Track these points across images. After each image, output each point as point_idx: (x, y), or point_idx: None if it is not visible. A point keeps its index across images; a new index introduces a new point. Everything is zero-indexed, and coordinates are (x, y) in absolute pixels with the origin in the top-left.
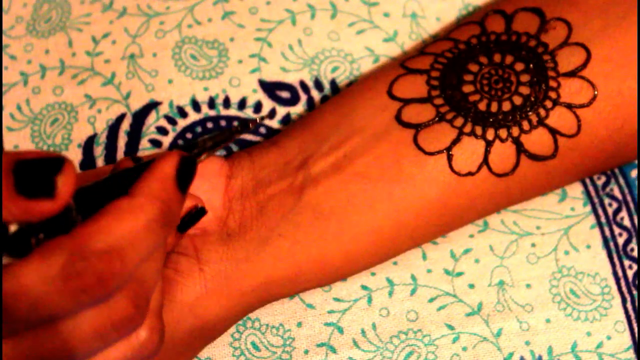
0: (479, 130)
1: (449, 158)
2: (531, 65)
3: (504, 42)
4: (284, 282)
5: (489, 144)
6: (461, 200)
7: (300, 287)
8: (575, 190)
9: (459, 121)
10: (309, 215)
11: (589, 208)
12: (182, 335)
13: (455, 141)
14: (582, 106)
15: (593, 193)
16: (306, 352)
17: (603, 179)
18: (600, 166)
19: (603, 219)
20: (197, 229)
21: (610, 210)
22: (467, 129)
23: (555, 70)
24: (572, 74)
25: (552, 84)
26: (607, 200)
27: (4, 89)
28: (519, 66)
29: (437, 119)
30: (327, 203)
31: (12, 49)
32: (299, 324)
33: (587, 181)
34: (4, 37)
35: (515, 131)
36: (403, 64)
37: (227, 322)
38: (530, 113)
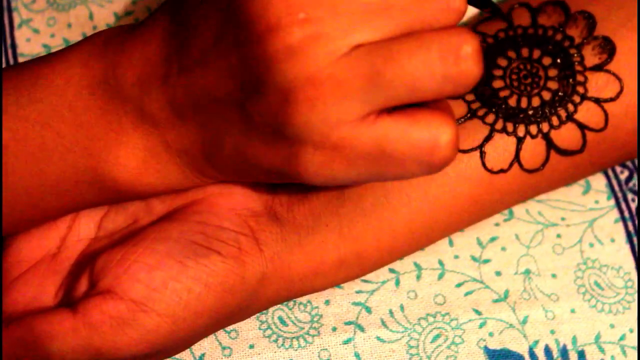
0: (510, 126)
1: (482, 155)
2: (558, 60)
3: (531, 36)
4: (329, 273)
5: (520, 141)
6: (492, 197)
7: (339, 279)
8: (599, 182)
9: (490, 117)
10: (351, 209)
11: (612, 202)
12: (233, 312)
13: (488, 138)
14: (609, 100)
15: (616, 187)
16: (334, 329)
17: (626, 173)
18: (626, 157)
19: (627, 214)
20: (246, 209)
21: (633, 206)
22: (499, 125)
23: (582, 65)
24: (599, 67)
25: (580, 78)
26: (630, 195)
27: (26, 59)
28: (547, 60)
29: (469, 115)
30: (367, 199)
31: (35, 23)
32: (327, 302)
33: (611, 174)
34: (26, 11)
35: (545, 127)
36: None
37: (271, 306)
38: (559, 108)
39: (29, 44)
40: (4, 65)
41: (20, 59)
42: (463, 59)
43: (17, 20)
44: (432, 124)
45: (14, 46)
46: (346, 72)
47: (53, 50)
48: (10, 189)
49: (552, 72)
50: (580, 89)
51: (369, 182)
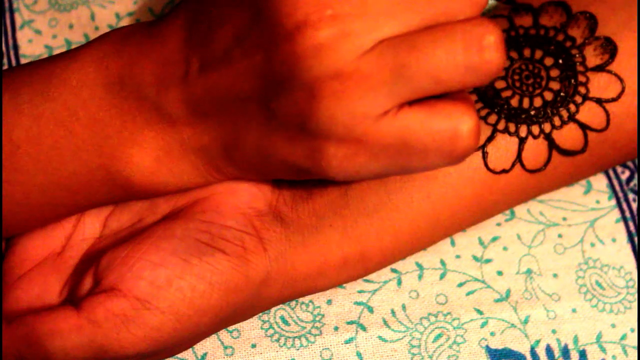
0: (512, 127)
1: (484, 155)
2: (560, 60)
3: (533, 37)
4: (332, 273)
5: (522, 141)
6: (494, 197)
7: (342, 279)
8: (600, 183)
9: (492, 118)
10: (354, 209)
11: (613, 202)
12: (237, 311)
13: (490, 139)
14: (610, 100)
15: (617, 187)
16: (336, 328)
17: (627, 173)
18: (628, 157)
19: (628, 214)
20: (251, 208)
21: (634, 206)
22: (501, 126)
23: (584, 65)
24: (600, 68)
25: (581, 78)
26: (631, 195)
27: (27, 60)
28: (549, 61)
29: None
30: (371, 200)
31: (36, 24)
32: (329, 302)
33: (612, 174)
34: (28, 13)
35: (547, 127)
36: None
37: (274, 306)
38: (561, 109)
39: (31, 45)
40: (5, 67)
41: (23, 60)
42: (486, 49)
43: (19, 22)
44: (453, 114)
45: (16, 47)
46: (372, 66)
47: (55, 52)
48: (23, 186)
49: (554, 73)
50: (582, 89)
51: (391, 175)
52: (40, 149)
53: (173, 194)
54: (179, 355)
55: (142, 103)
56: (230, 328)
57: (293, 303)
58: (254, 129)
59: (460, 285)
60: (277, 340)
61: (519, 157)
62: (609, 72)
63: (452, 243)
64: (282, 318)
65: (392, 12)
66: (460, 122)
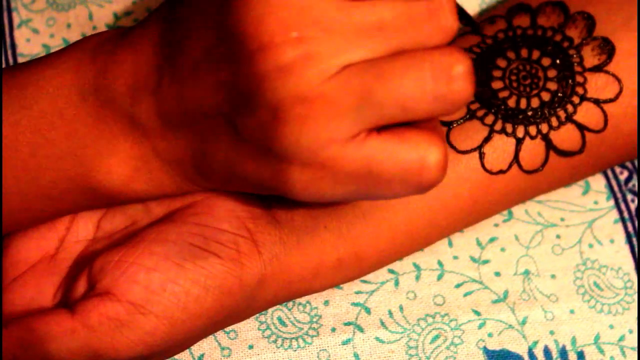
0: (509, 127)
1: (481, 156)
2: (558, 61)
3: (530, 37)
4: (328, 274)
5: (519, 142)
6: (491, 198)
7: (338, 280)
8: (599, 183)
9: (489, 118)
10: (349, 210)
11: (612, 202)
12: (231, 314)
13: (487, 139)
14: (608, 101)
15: (616, 188)
16: (333, 329)
17: (626, 173)
18: (626, 158)
19: (626, 215)
20: (244, 211)
21: (632, 206)
22: (498, 126)
23: (582, 65)
24: (598, 68)
25: (579, 79)
26: (629, 196)
27: (25, 60)
28: (546, 61)
29: (468, 116)
30: (366, 201)
31: (34, 23)
32: (326, 303)
33: (610, 175)
34: (25, 12)
35: (544, 128)
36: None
37: (270, 307)
38: (558, 109)
39: (29, 44)
40: (4, 66)
41: (20, 59)
42: (455, 79)
43: (16, 21)
44: (421, 145)
45: (13, 46)
46: (337, 91)
47: (53, 51)
48: (2, 193)
49: (552, 73)
50: (580, 90)
51: (356, 200)
52: (18, 156)
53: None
54: (176, 357)
55: (116, 112)
56: (228, 329)
57: (290, 304)
58: (221, 144)
59: (458, 286)
60: (274, 341)
61: (516, 158)
62: (607, 72)
63: (450, 244)
64: (279, 319)
65: (359, 37)
66: (429, 153)
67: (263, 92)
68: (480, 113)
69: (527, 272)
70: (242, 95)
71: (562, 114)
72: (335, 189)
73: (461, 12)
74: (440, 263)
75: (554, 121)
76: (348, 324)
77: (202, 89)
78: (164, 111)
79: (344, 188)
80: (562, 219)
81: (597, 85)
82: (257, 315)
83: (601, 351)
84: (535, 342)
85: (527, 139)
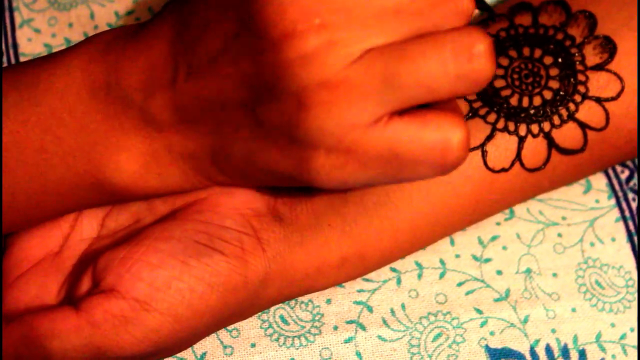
0: (511, 125)
1: (483, 154)
2: (560, 59)
3: (532, 36)
4: (331, 272)
5: (521, 140)
6: (493, 196)
7: (341, 279)
8: (600, 182)
9: (491, 117)
10: (353, 208)
11: (613, 201)
12: (235, 311)
13: (489, 137)
14: (610, 99)
15: (617, 187)
16: (335, 328)
17: (627, 172)
18: (627, 156)
19: (627, 213)
20: (249, 209)
21: (634, 205)
22: (500, 124)
23: (583, 64)
24: (600, 67)
25: (581, 77)
26: (630, 195)
27: (27, 59)
28: (548, 60)
29: (470, 114)
30: (370, 198)
31: (36, 23)
32: (328, 301)
33: (611, 174)
34: (27, 11)
35: (546, 126)
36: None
37: (273, 305)
38: (560, 107)
39: (30, 43)
40: (5, 65)
41: (22, 59)
42: (476, 57)
43: (18, 20)
44: (444, 125)
45: (15, 46)
46: (361, 75)
47: (54, 50)
48: (9, 190)
49: (554, 72)
50: (582, 88)
51: (379, 184)
52: (27, 154)
53: (168, 195)
54: (178, 355)
55: (128, 109)
56: (230, 327)
57: (292, 302)
58: (241, 137)
59: (460, 284)
60: (277, 339)
61: (518, 156)
62: (609, 71)
63: (452, 242)
64: (282, 317)
65: (380, 21)
66: (451, 134)
67: (287, 79)
68: (482, 111)
69: (528, 271)
70: (266, 84)
71: (564, 112)
72: (360, 174)
73: (478, 1)
74: (442, 261)
75: (556, 119)
76: (350, 322)
77: (222, 81)
78: (180, 106)
79: (368, 172)
80: (564, 218)
81: (599, 83)
82: (260, 313)
83: (603, 349)
84: (537, 341)
85: (530, 137)
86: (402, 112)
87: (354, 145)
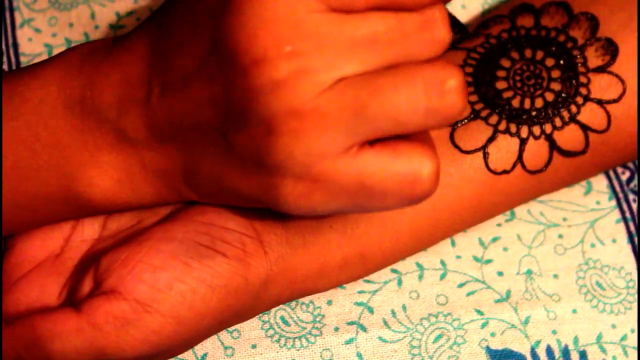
0: (513, 127)
1: (485, 156)
2: (561, 61)
3: (534, 37)
4: (332, 273)
5: (523, 142)
6: (495, 198)
7: (343, 280)
8: (600, 183)
9: (493, 118)
10: None
11: (614, 202)
12: (237, 313)
13: (491, 139)
14: (612, 102)
15: (618, 188)
16: (336, 329)
17: (627, 174)
18: (628, 158)
19: (628, 214)
20: (251, 211)
21: (634, 206)
22: (502, 126)
23: (585, 66)
24: (602, 69)
25: (583, 79)
26: (631, 196)
27: (27, 59)
28: (550, 62)
29: (472, 116)
30: None
31: (36, 23)
32: (329, 302)
33: (612, 175)
34: (27, 11)
35: (548, 128)
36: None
37: (274, 307)
38: (562, 110)
39: (31, 43)
40: (5, 65)
41: (22, 59)
42: (448, 93)
43: (18, 20)
44: (415, 157)
45: (15, 45)
46: (330, 105)
47: (55, 50)
48: None
49: (555, 73)
50: (583, 90)
51: (347, 213)
52: (2, 167)
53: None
54: (179, 356)
55: (102, 124)
56: (231, 328)
57: (293, 303)
58: (211, 158)
59: (461, 285)
60: (278, 340)
61: (519, 158)
62: (610, 73)
63: (453, 243)
64: (283, 318)
65: (352, 51)
66: (422, 166)
67: (257, 106)
68: (484, 113)
69: (529, 272)
70: (235, 109)
71: (565, 114)
72: (328, 203)
73: (453, 20)
74: (443, 263)
75: (558, 121)
76: (351, 323)
77: (194, 102)
78: (153, 124)
79: (336, 202)
80: (565, 219)
81: (601, 85)
82: (261, 314)
83: (603, 351)
84: (538, 342)
85: (531, 139)
86: (373, 141)
87: (323, 174)
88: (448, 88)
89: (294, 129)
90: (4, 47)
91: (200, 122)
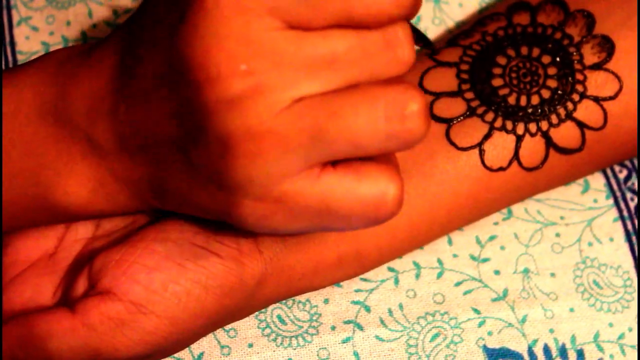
0: (509, 124)
1: (481, 153)
2: (558, 58)
3: (530, 35)
4: (328, 271)
5: (519, 139)
6: (491, 195)
7: (339, 278)
8: (598, 182)
9: (489, 116)
10: None
11: (611, 201)
12: (232, 312)
13: (487, 136)
14: (608, 99)
15: (615, 186)
16: (333, 328)
17: (625, 172)
18: (625, 156)
19: (625, 213)
20: None
21: (632, 205)
22: (498, 123)
23: (582, 63)
24: (598, 66)
25: (579, 77)
26: (629, 195)
27: (24, 57)
28: (546, 59)
29: (468, 113)
30: None
31: (34, 21)
32: (326, 301)
33: (609, 173)
34: (25, 9)
35: (544, 125)
36: (432, 56)
37: (270, 305)
38: (558, 107)
39: (28, 41)
40: (3, 63)
41: (19, 57)
42: (408, 117)
43: (16, 18)
44: (379, 179)
45: (12, 44)
46: (287, 126)
47: (52, 48)
48: None
49: (552, 71)
50: (580, 88)
51: (313, 232)
52: None
53: None
54: (175, 355)
55: (75, 134)
56: (227, 327)
57: (290, 302)
58: (175, 173)
59: (458, 284)
60: (274, 339)
61: (516, 155)
62: (607, 70)
63: (450, 242)
64: (279, 317)
65: (311, 70)
66: (386, 188)
67: (212, 125)
68: (480, 110)
69: (526, 271)
70: (193, 126)
71: (562, 111)
72: (291, 224)
73: (417, 34)
74: (440, 261)
75: (554, 118)
76: (348, 322)
77: (155, 117)
78: (120, 135)
79: (299, 223)
80: (562, 218)
81: (597, 83)
82: (257, 313)
83: (601, 349)
84: (535, 341)
85: (527, 136)
86: (336, 162)
87: (284, 196)
88: (409, 112)
89: (250, 151)
90: (1, 45)
91: (162, 136)
